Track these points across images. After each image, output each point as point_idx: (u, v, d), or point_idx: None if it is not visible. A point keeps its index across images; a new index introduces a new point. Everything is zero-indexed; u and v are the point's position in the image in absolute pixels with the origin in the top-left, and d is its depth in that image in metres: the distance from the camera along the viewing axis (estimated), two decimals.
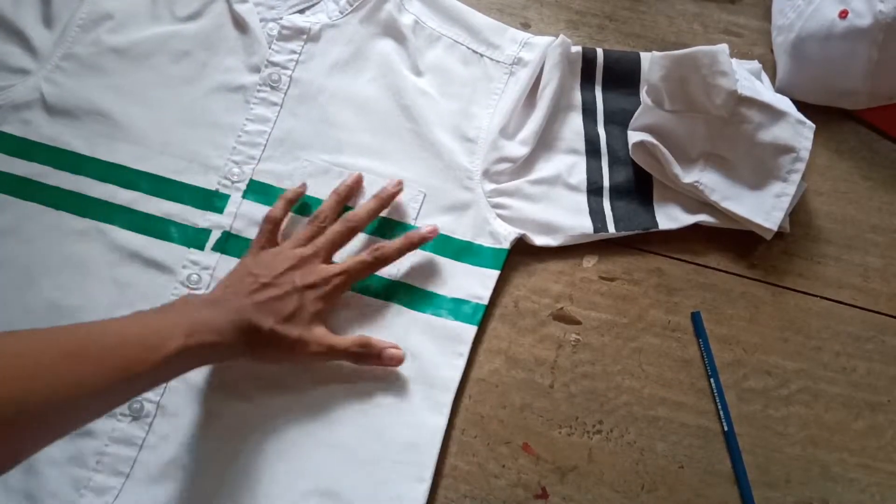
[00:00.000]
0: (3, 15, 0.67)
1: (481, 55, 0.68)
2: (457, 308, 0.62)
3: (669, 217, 0.65)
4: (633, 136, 0.64)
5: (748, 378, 0.62)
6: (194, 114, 0.66)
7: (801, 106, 0.67)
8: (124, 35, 0.68)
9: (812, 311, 0.64)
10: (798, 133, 0.61)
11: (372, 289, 0.62)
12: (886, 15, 0.60)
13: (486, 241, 0.63)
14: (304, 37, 0.68)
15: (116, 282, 0.62)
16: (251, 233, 0.64)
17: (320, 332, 0.57)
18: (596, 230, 0.64)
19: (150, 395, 0.59)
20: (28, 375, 0.41)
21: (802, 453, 0.61)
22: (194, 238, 0.64)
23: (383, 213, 0.64)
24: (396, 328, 0.61)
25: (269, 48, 0.67)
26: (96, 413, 0.47)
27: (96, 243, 0.63)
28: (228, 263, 0.62)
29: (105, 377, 0.44)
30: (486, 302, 0.62)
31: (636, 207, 0.65)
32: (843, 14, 0.62)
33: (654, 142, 0.63)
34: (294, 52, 0.68)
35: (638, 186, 0.65)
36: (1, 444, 0.40)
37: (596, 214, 0.64)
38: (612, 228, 0.64)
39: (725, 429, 0.61)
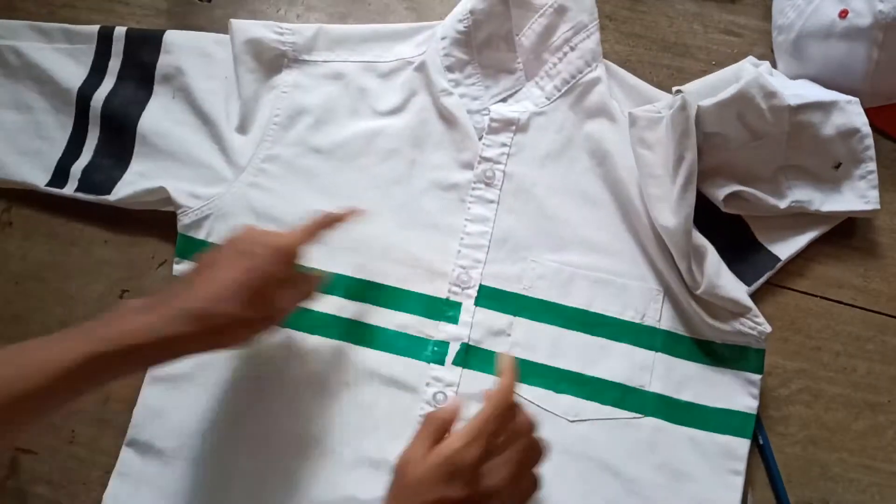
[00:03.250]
0: (213, 119, 0.65)
1: None
2: (724, 420, 0.59)
3: (786, 246, 0.63)
4: (718, 191, 0.62)
5: None
6: (410, 215, 0.63)
7: None
8: (326, 133, 0.65)
9: (812, 311, 0.64)
10: (851, 112, 0.62)
11: (623, 401, 0.59)
12: (886, 15, 0.61)
13: (738, 340, 0.60)
14: (514, 128, 0.65)
15: (357, 404, 0.59)
16: (490, 343, 0.61)
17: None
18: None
19: None
20: None
21: (802, 453, 0.61)
22: (433, 352, 0.60)
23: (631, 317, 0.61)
24: (659, 446, 0.59)
25: (481, 142, 0.64)
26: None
27: (330, 362, 0.60)
28: (472, 378, 0.60)
29: None
30: (755, 411, 0.60)
31: (750, 257, 0.63)
32: (843, 14, 0.62)
33: (742, 187, 0.61)
34: (505, 144, 0.64)
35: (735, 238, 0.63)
36: None
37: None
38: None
39: (761, 442, 0.60)
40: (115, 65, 0.67)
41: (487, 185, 0.64)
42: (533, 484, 0.48)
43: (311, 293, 0.57)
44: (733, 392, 0.60)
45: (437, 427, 0.47)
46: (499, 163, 0.64)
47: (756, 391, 0.60)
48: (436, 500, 0.44)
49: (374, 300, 0.61)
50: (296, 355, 0.60)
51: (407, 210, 0.64)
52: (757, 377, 0.60)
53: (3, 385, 0.44)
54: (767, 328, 0.58)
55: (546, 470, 0.58)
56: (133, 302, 0.50)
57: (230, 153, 0.64)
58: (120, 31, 0.67)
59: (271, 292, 0.52)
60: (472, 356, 0.61)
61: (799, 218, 0.64)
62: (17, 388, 0.44)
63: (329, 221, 0.57)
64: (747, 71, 0.62)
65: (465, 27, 0.64)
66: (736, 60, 0.69)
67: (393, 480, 0.47)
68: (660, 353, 0.61)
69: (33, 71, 0.67)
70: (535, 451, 0.48)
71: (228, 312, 0.49)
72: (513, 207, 0.64)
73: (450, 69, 0.65)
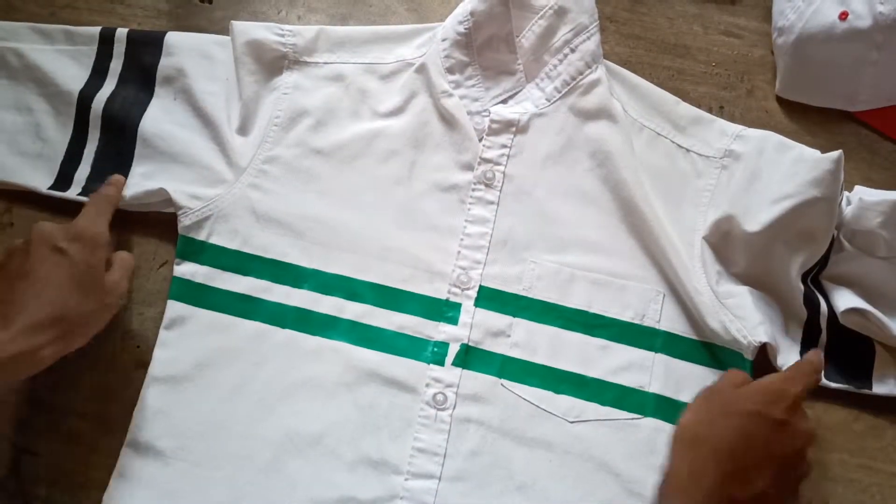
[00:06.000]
0: (214, 121, 0.65)
1: (687, 150, 0.65)
2: None
3: (887, 388, 0.60)
4: (843, 301, 0.59)
5: None
6: (410, 216, 0.63)
7: (802, 107, 0.68)
8: (327, 135, 0.65)
9: None
10: None
11: (623, 402, 0.59)
12: (886, 16, 0.61)
13: (732, 347, 0.60)
14: (514, 129, 0.64)
15: (357, 404, 0.59)
16: (489, 344, 0.61)
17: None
18: None
19: None
20: None
21: None
22: (432, 353, 0.60)
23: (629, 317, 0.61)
24: (658, 447, 0.58)
25: (481, 144, 0.64)
26: None
27: (331, 363, 0.60)
28: (472, 380, 0.60)
29: None
30: None
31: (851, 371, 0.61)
32: (843, 16, 0.62)
33: (867, 306, 0.59)
34: (505, 146, 0.64)
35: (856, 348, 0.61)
36: None
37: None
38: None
39: None
40: (116, 66, 0.67)
41: (487, 186, 0.64)
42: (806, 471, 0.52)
43: (132, 264, 0.59)
44: None
45: (741, 377, 0.53)
46: (499, 164, 0.64)
47: None
48: (754, 411, 0.48)
49: (374, 301, 0.61)
50: (296, 356, 0.60)
51: (407, 211, 0.64)
52: None
53: None
54: (759, 339, 0.58)
55: (545, 470, 0.58)
56: None
57: (231, 154, 0.64)
58: (121, 32, 0.68)
59: (100, 278, 0.54)
60: (471, 357, 0.61)
61: None
62: None
63: (106, 193, 0.59)
64: None
65: (465, 29, 0.64)
66: (736, 62, 0.70)
67: (696, 403, 0.52)
68: (659, 354, 0.61)
69: (34, 73, 0.67)
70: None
71: (81, 310, 0.52)
72: (513, 209, 0.64)
73: (450, 71, 0.65)
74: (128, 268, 0.58)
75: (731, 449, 0.48)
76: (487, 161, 0.64)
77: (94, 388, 0.62)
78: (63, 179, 0.65)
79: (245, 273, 0.62)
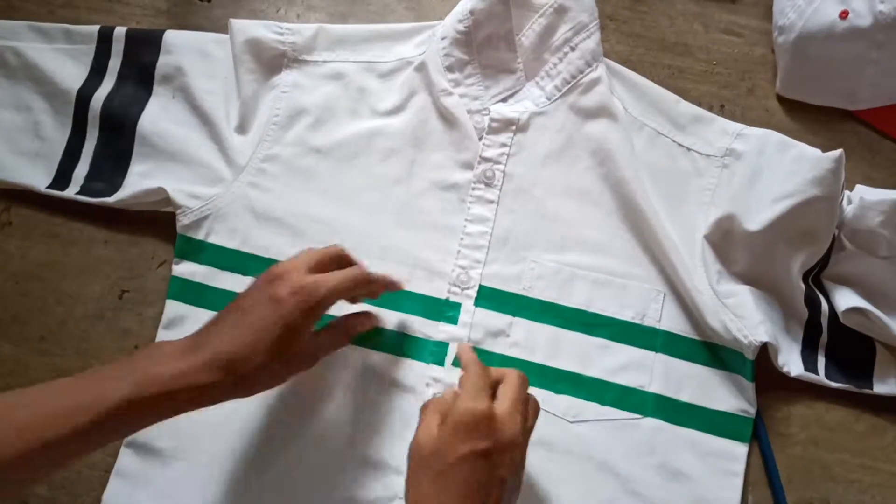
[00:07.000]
0: (212, 120, 0.64)
1: (688, 149, 0.64)
2: (722, 422, 0.59)
3: (888, 387, 0.60)
4: (844, 301, 0.59)
5: None
6: (410, 216, 0.63)
7: (802, 106, 0.67)
8: (326, 133, 0.65)
9: None
10: None
11: (623, 401, 0.60)
12: (887, 15, 0.60)
13: (733, 346, 0.59)
14: (514, 128, 0.64)
15: (357, 404, 0.59)
16: (489, 343, 0.61)
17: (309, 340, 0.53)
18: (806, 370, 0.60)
19: None
20: None
21: (804, 453, 0.60)
22: (432, 353, 0.60)
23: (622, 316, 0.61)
24: (658, 447, 0.58)
25: (481, 142, 0.64)
26: (30, 478, 0.44)
27: (330, 362, 0.59)
28: None
29: (23, 443, 0.42)
30: (752, 415, 0.59)
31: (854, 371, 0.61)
32: (844, 14, 0.62)
33: (867, 306, 0.59)
34: (504, 144, 0.64)
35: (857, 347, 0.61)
36: None
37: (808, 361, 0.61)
38: (822, 376, 0.60)
39: (762, 441, 0.60)
40: (114, 65, 0.67)
41: (487, 185, 0.64)
42: (535, 414, 0.50)
43: (344, 343, 0.57)
44: (731, 395, 0.60)
45: (437, 407, 0.48)
46: (499, 163, 0.64)
47: (751, 397, 0.59)
48: (462, 456, 0.45)
49: (374, 300, 0.61)
50: None
51: (406, 210, 0.64)
52: (750, 384, 0.59)
53: (32, 430, 0.42)
54: (760, 339, 0.58)
55: (546, 470, 0.58)
56: (166, 346, 0.49)
57: (229, 153, 0.64)
58: (120, 31, 0.67)
59: (301, 341, 0.51)
60: None
61: None
62: (46, 435, 0.42)
63: (365, 281, 0.55)
64: None
65: (465, 27, 0.64)
66: (736, 60, 0.70)
67: (410, 461, 0.47)
68: (659, 354, 0.61)
69: (33, 71, 0.67)
70: (525, 387, 0.50)
71: (258, 363, 0.48)
72: (512, 207, 0.64)
73: (450, 69, 0.65)
74: (335, 345, 0.56)
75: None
76: (487, 160, 0.64)
77: None
78: (61, 178, 0.65)
79: (244, 272, 0.62)
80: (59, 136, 0.66)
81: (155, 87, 0.66)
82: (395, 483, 0.58)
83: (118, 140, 0.65)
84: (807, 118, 0.68)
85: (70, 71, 0.67)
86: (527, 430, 0.49)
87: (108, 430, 0.45)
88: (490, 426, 0.46)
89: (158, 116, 0.65)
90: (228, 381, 0.48)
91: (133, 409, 0.45)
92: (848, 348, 0.61)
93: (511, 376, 0.49)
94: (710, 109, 0.68)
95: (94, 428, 0.44)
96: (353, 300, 0.58)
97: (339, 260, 0.54)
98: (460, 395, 0.47)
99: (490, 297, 0.62)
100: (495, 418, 0.46)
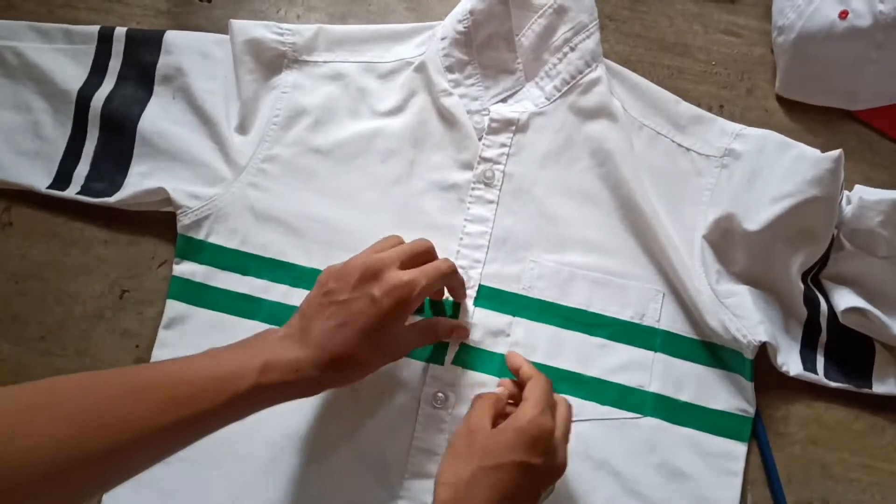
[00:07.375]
0: (213, 120, 0.65)
1: (687, 149, 0.64)
2: (721, 422, 0.59)
3: (886, 387, 0.60)
4: (843, 300, 0.59)
5: None
6: (409, 216, 0.63)
7: (802, 106, 0.67)
8: (326, 134, 0.65)
9: None
10: None
11: (623, 401, 0.60)
12: (886, 15, 0.61)
13: (732, 346, 0.60)
14: (513, 128, 0.64)
15: (356, 403, 0.59)
16: (489, 343, 0.61)
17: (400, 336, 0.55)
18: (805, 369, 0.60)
19: None
20: (79, 419, 0.40)
21: (803, 453, 0.61)
22: (432, 352, 0.60)
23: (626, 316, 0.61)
24: (658, 446, 0.59)
25: (480, 143, 0.64)
26: (158, 455, 0.44)
27: None
28: (471, 378, 0.60)
29: (163, 418, 0.43)
30: (751, 415, 0.59)
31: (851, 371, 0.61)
32: (844, 14, 0.62)
33: (867, 305, 0.59)
34: (504, 144, 0.64)
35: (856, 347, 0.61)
36: (56, 491, 0.39)
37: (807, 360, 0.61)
38: (822, 376, 0.60)
39: (761, 441, 0.61)
40: (115, 65, 0.67)
41: (487, 185, 0.64)
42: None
43: (431, 341, 0.59)
44: (730, 395, 0.60)
45: (493, 403, 0.51)
46: (498, 163, 0.64)
47: (750, 397, 0.60)
48: (515, 462, 0.46)
49: None
50: None
51: (406, 210, 0.64)
52: (749, 384, 0.59)
53: (177, 405, 0.44)
54: (759, 339, 0.58)
55: None
56: (280, 333, 0.51)
57: (230, 153, 0.64)
58: (120, 31, 0.67)
59: (396, 334, 0.53)
60: (471, 356, 0.61)
61: None
62: (183, 413, 0.44)
63: (452, 274, 0.56)
64: None
65: (464, 27, 0.64)
66: (736, 61, 0.70)
67: (457, 440, 0.49)
68: (659, 353, 0.61)
69: (33, 71, 0.67)
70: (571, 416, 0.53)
71: (362, 360, 0.51)
72: (512, 208, 0.64)
73: (450, 69, 0.65)
74: (424, 342, 0.58)
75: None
76: (487, 160, 0.64)
77: None
78: (62, 178, 0.65)
79: (244, 272, 0.62)
80: (59, 137, 0.66)
81: (155, 88, 0.67)
82: (395, 483, 0.58)
83: (119, 140, 0.65)
84: (806, 118, 0.68)
85: (70, 71, 0.67)
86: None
87: (230, 415, 0.46)
88: (548, 445, 0.48)
89: (159, 117, 0.66)
90: (336, 375, 0.51)
91: (255, 395, 0.46)
92: (847, 348, 0.61)
93: (562, 405, 0.52)
94: (710, 110, 0.68)
95: (228, 409, 0.45)
96: (436, 294, 0.60)
97: (428, 255, 0.56)
98: (528, 403, 0.49)
99: (490, 297, 0.62)
100: (553, 440, 0.48)
